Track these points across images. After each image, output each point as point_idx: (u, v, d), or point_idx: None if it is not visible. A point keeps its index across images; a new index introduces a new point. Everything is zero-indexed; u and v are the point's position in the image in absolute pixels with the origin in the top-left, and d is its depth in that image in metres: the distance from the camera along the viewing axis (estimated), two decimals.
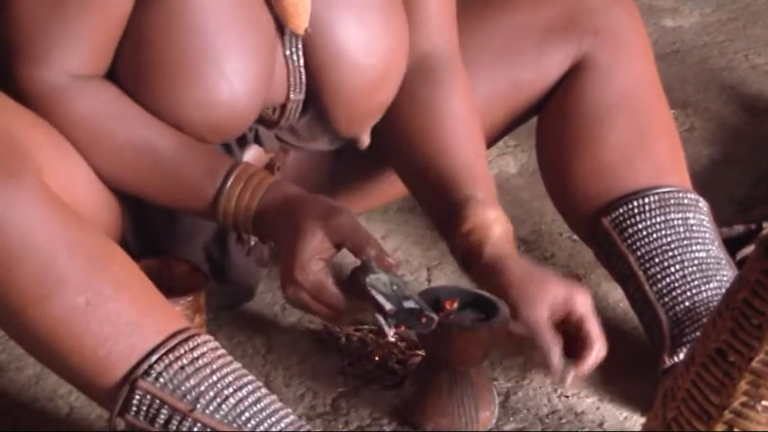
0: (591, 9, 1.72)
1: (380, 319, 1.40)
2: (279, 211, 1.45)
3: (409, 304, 1.40)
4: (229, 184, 1.46)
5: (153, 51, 1.45)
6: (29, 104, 1.43)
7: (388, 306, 1.39)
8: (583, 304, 1.50)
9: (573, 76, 1.72)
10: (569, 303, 1.49)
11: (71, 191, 1.41)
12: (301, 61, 1.54)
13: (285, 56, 1.52)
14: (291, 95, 1.55)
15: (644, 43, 1.75)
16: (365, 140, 1.64)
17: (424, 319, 1.41)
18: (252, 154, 1.60)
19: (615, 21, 1.72)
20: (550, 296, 1.49)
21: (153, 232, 1.62)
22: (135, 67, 1.47)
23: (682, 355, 1.55)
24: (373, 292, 1.40)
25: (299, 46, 1.53)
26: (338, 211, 1.43)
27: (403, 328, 1.42)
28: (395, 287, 1.41)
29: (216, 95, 1.47)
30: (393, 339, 1.52)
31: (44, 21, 1.42)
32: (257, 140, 1.61)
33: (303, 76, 1.55)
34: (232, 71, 1.47)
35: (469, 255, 1.56)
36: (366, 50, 1.55)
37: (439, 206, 1.60)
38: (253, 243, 1.68)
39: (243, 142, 1.61)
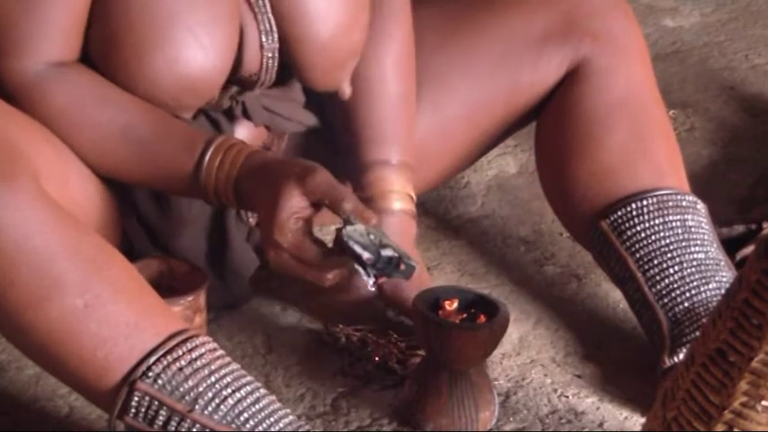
0: (589, 13, 1.73)
1: (359, 269, 1.39)
2: (257, 177, 1.44)
3: (387, 252, 1.40)
4: (208, 156, 1.47)
5: (120, 19, 1.47)
6: (12, 99, 1.44)
7: (365, 255, 1.38)
8: None
9: (571, 79, 1.72)
10: None
11: (68, 193, 1.41)
12: (268, 7, 1.55)
13: (250, 2, 1.53)
14: (265, 44, 1.56)
15: (641, 47, 1.75)
16: (346, 90, 1.65)
17: (402, 267, 1.40)
18: (243, 129, 1.61)
19: (613, 25, 1.73)
20: None
21: (152, 224, 1.62)
22: (105, 40, 1.49)
23: (682, 356, 1.55)
24: (350, 243, 1.38)
25: None
26: (314, 170, 1.42)
27: (384, 278, 1.41)
28: (371, 236, 1.40)
29: (185, 52, 1.48)
30: (373, 289, 1.50)
31: (14, 11, 1.44)
32: (245, 114, 1.61)
33: (272, 22, 1.55)
34: (197, 26, 1.48)
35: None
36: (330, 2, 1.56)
37: (352, 163, 1.67)
38: (253, 223, 1.68)
39: (231, 116, 1.61)
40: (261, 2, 1.54)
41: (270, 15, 1.55)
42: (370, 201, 1.64)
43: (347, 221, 1.40)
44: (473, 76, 1.73)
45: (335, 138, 1.73)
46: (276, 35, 1.56)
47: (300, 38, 1.57)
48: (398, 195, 1.65)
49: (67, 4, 1.45)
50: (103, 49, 1.49)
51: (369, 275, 1.39)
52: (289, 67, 1.60)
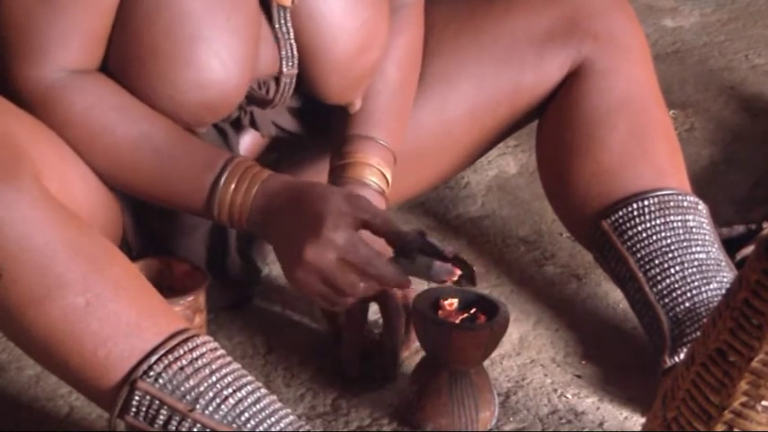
0: (591, 14, 1.73)
1: (443, 263, 1.37)
2: (289, 194, 1.43)
3: (460, 256, 1.40)
4: (227, 173, 1.46)
5: (144, 38, 1.46)
6: (27, 104, 1.44)
7: (448, 248, 1.38)
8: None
9: (573, 80, 1.72)
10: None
11: (70, 193, 1.41)
12: (291, 34, 1.54)
13: (275, 29, 1.53)
14: (285, 69, 1.56)
15: (643, 48, 1.75)
16: (357, 105, 1.65)
17: (473, 270, 1.40)
18: (248, 138, 1.61)
19: (614, 25, 1.73)
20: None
21: (153, 227, 1.62)
22: (128, 55, 1.48)
23: (682, 356, 1.55)
24: (430, 239, 1.39)
25: (288, 18, 1.53)
26: (358, 194, 1.43)
27: (452, 278, 1.41)
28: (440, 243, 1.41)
29: (209, 74, 1.47)
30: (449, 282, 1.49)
31: (35, 18, 1.43)
32: (253, 124, 1.61)
33: (294, 50, 1.55)
34: (223, 49, 1.47)
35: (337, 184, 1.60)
36: (351, 13, 1.56)
37: (338, 131, 1.65)
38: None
39: (238, 126, 1.61)
40: (284, 28, 1.54)
41: (293, 42, 1.54)
42: (343, 168, 1.62)
43: (409, 232, 1.39)
44: (477, 76, 1.73)
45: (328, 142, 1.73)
46: (297, 61, 1.56)
47: (318, 58, 1.56)
48: (372, 171, 1.62)
49: (90, 16, 1.44)
50: (126, 66, 1.48)
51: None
52: (302, 83, 1.59)
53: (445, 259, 1.39)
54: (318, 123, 1.70)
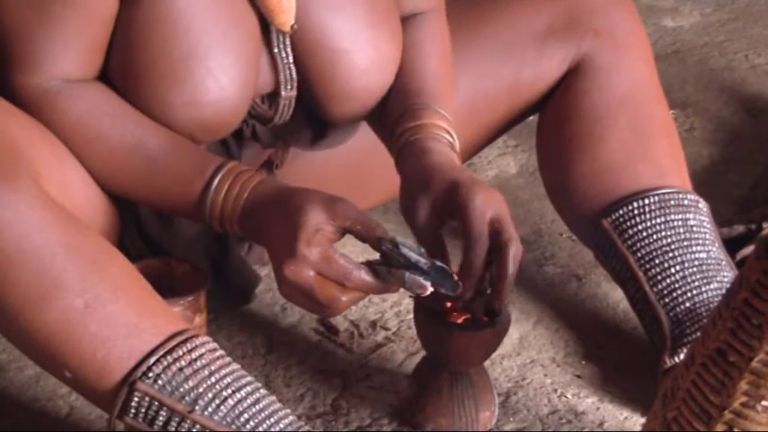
0: (591, 10, 1.73)
1: (415, 277, 1.36)
2: (272, 202, 1.42)
3: (439, 263, 1.38)
4: (219, 178, 1.45)
5: (140, 52, 1.45)
6: (24, 110, 1.43)
7: (422, 261, 1.37)
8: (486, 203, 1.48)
9: (573, 76, 1.72)
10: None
11: (68, 194, 1.41)
12: (290, 58, 1.54)
13: (273, 53, 1.52)
14: (283, 92, 1.55)
15: (644, 44, 1.75)
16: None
17: (456, 278, 1.38)
18: (250, 150, 1.61)
19: (615, 22, 1.73)
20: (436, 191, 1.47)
21: (152, 233, 1.62)
22: (124, 68, 1.47)
23: (682, 356, 1.55)
24: (404, 250, 1.37)
25: (287, 43, 1.53)
26: (341, 199, 1.40)
27: (431, 289, 1.38)
28: (422, 249, 1.39)
29: (203, 94, 1.47)
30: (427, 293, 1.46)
31: (31, 26, 1.42)
32: (255, 137, 1.61)
33: (293, 73, 1.55)
34: (218, 69, 1.47)
35: (406, 145, 1.55)
36: (353, 38, 1.54)
37: (393, 110, 1.59)
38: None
39: (240, 139, 1.61)
40: (283, 53, 1.53)
41: (291, 65, 1.54)
42: (412, 133, 1.56)
43: (383, 242, 1.38)
44: (476, 72, 1.73)
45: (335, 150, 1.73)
46: (296, 84, 1.56)
47: (322, 85, 1.55)
48: (441, 130, 1.57)
49: (87, 26, 1.43)
50: (123, 76, 1.47)
51: (427, 281, 1.37)
52: (314, 105, 1.58)
53: (422, 271, 1.38)
54: (320, 133, 1.69)
